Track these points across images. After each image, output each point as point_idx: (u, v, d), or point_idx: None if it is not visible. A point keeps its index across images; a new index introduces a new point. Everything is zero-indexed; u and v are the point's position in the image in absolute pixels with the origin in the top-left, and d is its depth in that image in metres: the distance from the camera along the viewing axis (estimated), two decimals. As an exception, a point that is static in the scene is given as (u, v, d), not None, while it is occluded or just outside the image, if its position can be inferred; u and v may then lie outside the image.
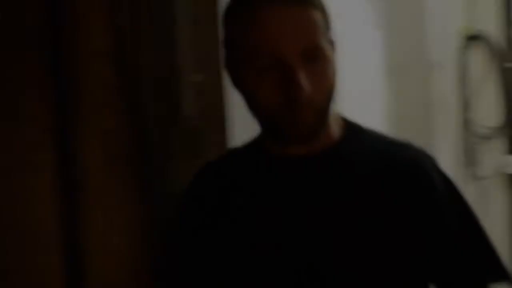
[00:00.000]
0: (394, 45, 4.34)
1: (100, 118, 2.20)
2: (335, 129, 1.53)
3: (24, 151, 2.06)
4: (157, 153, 2.28)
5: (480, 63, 4.88)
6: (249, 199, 1.50)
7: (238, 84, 1.46)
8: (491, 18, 4.97)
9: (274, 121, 1.40)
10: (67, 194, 2.15)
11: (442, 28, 4.50)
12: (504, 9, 5.00)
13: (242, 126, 2.39)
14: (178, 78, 2.30)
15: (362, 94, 4.06)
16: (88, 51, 2.17)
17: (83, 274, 2.19)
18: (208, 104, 2.32)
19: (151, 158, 2.24)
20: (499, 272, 1.54)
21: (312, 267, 1.40)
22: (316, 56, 1.38)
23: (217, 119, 2.40)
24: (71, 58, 2.14)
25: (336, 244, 1.42)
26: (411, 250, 1.44)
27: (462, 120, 4.81)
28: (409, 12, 4.35)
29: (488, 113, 4.96)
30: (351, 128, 1.55)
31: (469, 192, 4.64)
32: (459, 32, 4.75)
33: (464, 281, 1.52)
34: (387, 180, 1.48)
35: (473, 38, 4.82)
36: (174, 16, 2.33)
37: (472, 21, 4.84)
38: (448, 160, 4.47)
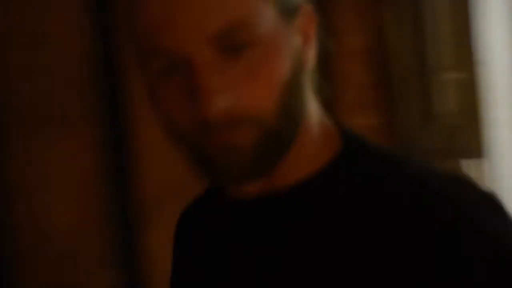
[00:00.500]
0: None
1: (358, 115, 2.21)
2: (320, 152, 0.92)
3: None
4: (412, 150, 2.27)
5: None
6: (199, 249, 1.05)
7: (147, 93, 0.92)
8: None
9: (192, 149, 0.86)
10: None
11: None
12: None
13: (501, 126, 2.32)
14: (434, 75, 2.26)
15: None
16: (345, 51, 2.20)
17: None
18: (464, 102, 2.26)
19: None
20: None
21: None
22: (245, 43, 0.81)
23: (473, 118, 2.34)
24: (328, 59, 2.17)
25: None
26: None
27: None
28: None
29: None
30: (348, 150, 0.92)
31: None
32: None
33: None
34: (379, 244, 0.85)
35: None
36: (429, 13, 2.29)
37: None
38: None
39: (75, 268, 2.06)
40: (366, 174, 0.90)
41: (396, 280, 0.83)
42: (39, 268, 1.98)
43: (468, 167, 2.33)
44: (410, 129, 2.29)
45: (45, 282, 2.03)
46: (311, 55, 0.89)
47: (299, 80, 0.86)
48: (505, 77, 2.80)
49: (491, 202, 0.85)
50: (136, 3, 0.83)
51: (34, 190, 2.00)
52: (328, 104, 2.02)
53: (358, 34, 2.26)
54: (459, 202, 0.83)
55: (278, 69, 0.83)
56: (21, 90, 1.97)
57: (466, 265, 0.80)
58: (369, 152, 0.92)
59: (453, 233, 0.82)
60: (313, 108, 0.91)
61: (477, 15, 2.50)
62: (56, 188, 2.04)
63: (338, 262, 0.87)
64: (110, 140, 2.12)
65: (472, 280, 0.79)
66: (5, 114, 1.96)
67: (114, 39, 2.04)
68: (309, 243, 0.89)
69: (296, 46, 0.86)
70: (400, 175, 0.88)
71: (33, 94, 2.00)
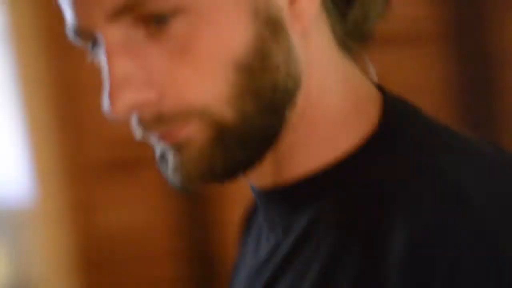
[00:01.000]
0: None
1: None
2: (341, 135, 0.68)
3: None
4: None
5: None
6: (244, 240, 0.92)
7: None
8: None
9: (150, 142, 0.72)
10: None
11: None
12: None
13: None
14: None
15: None
16: None
17: None
18: None
19: None
20: None
21: None
22: (167, 11, 0.61)
23: None
24: None
25: None
26: None
27: None
28: None
29: None
30: (380, 136, 0.67)
31: None
32: None
33: None
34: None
35: None
36: None
37: None
38: None
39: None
40: (384, 178, 0.63)
41: None
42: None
43: None
44: None
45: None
46: (308, 7, 0.65)
47: (279, 49, 0.64)
48: None
49: None
50: None
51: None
52: None
53: None
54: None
55: (225, 40, 0.62)
56: None
57: None
58: (408, 140, 0.65)
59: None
60: (329, 75, 0.68)
61: None
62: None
63: None
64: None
65: None
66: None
67: None
68: (283, 255, 0.70)
69: (269, 7, 0.63)
70: (433, 188, 0.59)
71: None
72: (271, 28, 0.63)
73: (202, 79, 0.61)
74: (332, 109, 0.68)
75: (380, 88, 0.71)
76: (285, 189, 0.69)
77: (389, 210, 0.60)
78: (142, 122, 0.64)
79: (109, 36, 0.62)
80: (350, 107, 0.68)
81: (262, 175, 0.71)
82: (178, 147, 0.64)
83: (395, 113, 0.68)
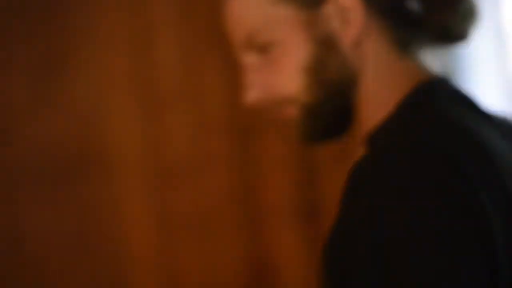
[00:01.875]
0: None
1: None
2: (380, 110, 1.04)
3: None
4: None
5: None
6: None
7: None
8: None
9: None
10: None
11: None
12: None
13: None
14: None
15: None
16: None
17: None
18: None
19: None
20: None
21: None
22: (266, 44, 1.07)
23: None
24: None
25: None
26: None
27: None
28: None
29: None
30: (397, 117, 1.02)
31: None
32: None
33: None
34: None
35: None
36: None
37: None
38: None
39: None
40: (378, 144, 0.99)
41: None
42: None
43: None
44: None
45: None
46: (353, 28, 1.03)
47: (332, 59, 1.05)
48: None
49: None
50: None
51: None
52: None
53: None
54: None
55: (296, 56, 1.06)
56: None
57: None
58: (406, 119, 1.00)
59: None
60: (380, 70, 1.05)
61: None
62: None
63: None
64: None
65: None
66: None
67: None
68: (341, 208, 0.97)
69: (324, 31, 1.05)
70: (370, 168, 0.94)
71: None
72: (325, 45, 1.05)
73: (288, 80, 1.06)
74: (380, 93, 1.05)
75: (435, 80, 1.04)
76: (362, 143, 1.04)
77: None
78: (268, 107, 1.09)
79: (245, 58, 1.09)
80: (393, 92, 1.03)
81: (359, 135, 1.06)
82: (290, 121, 1.08)
83: (415, 99, 1.02)
